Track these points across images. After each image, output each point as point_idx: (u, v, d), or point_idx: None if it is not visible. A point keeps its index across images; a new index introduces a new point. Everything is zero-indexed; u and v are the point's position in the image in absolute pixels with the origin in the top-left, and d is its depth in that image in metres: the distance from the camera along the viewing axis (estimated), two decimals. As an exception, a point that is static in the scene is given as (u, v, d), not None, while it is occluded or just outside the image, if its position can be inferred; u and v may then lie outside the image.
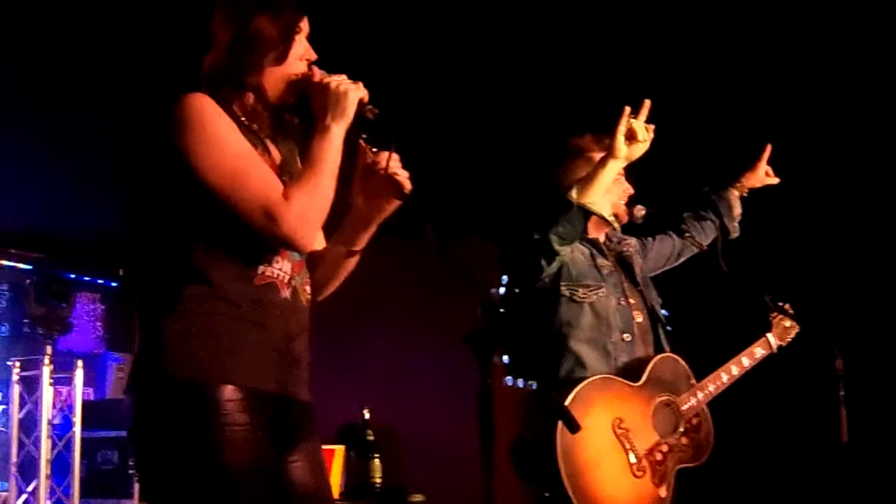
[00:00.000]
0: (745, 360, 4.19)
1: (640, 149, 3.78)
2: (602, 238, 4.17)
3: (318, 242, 2.67)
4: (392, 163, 2.59)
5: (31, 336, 7.11)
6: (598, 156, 4.00)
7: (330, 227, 2.65)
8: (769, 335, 4.27)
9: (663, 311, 4.22)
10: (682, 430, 3.96)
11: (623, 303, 4.05)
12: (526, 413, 3.97)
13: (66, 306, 7.19)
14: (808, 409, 5.44)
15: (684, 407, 3.97)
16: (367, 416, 6.20)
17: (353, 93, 2.50)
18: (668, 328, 4.17)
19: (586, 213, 3.87)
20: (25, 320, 7.05)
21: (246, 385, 2.39)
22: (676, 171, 5.26)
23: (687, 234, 4.35)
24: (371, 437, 6.17)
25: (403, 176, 2.61)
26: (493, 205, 6.65)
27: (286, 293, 2.52)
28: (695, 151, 5.90)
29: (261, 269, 2.47)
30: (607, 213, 4.00)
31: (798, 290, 4.58)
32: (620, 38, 5.41)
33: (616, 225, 4.13)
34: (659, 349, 4.07)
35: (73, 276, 8.14)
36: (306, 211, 2.41)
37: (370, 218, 2.70)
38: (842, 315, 5.57)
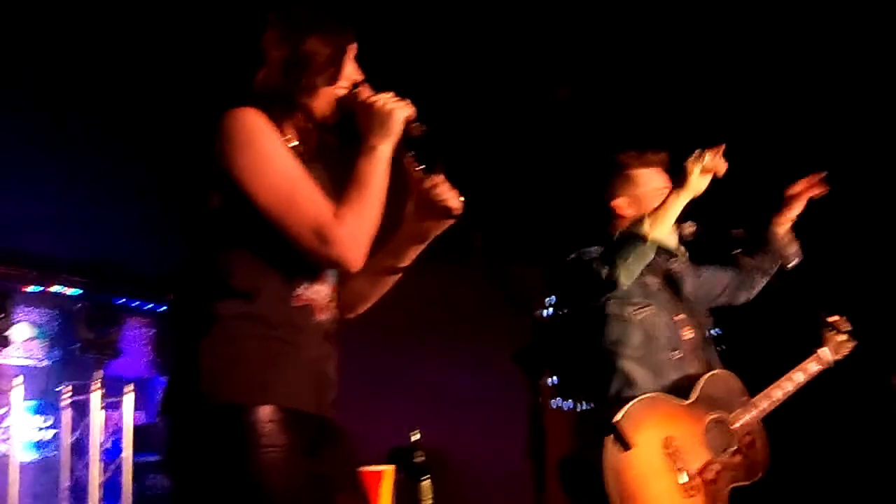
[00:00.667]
0: (799, 376, 4.12)
1: (707, 181, 3.78)
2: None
3: None
4: (437, 185, 2.58)
5: (82, 361, 7.17)
6: (639, 172, 4.00)
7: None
8: (822, 350, 4.20)
9: (715, 330, 4.17)
10: (734, 448, 3.90)
11: (672, 320, 4.01)
12: (576, 432, 3.94)
13: (116, 331, 7.24)
14: (862, 424, 5.37)
15: (737, 424, 3.92)
16: (417, 437, 6.17)
17: (400, 111, 2.49)
18: (720, 345, 4.12)
19: (656, 248, 3.83)
20: (75, 345, 7.11)
21: (284, 406, 2.37)
22: (724, 188, 5.22)
23: (747, 263, 4.26)
24: (421, 459, 6.14)
25: (451, 196, 2.60)
26: (537, 225, 6.63)
27: (322, 316, 2.51)
28: (742, 169, 5.85)
29: (299, 290, 2.46)
30: (674, 243, 3.96)
31: (852, 306, 4.51)
32: (661, 54, 5.39)
33: (680, 252, 4.07)
34: (709, 366, 4.02)
35: (122, 300, 8.20)
36: (356, 231, 2.39)
37: (420, 235, 2.68)
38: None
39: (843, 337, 4.24)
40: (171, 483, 2.41)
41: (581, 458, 3.79)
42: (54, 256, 7.76)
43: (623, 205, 4.07)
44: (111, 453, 6.99)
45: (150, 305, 8.75)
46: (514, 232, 6.66)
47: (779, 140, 5.93)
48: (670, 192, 3.80)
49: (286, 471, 2.33)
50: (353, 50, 2.61)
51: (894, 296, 6.23)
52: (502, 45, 5.28)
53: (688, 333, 4.02)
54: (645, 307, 3.95)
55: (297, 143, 2.53)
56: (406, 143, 2.54)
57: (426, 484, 6.06)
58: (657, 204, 3.87)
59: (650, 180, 4.05)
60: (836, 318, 4.26)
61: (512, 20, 5.09)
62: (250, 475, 2.30)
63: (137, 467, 6.89)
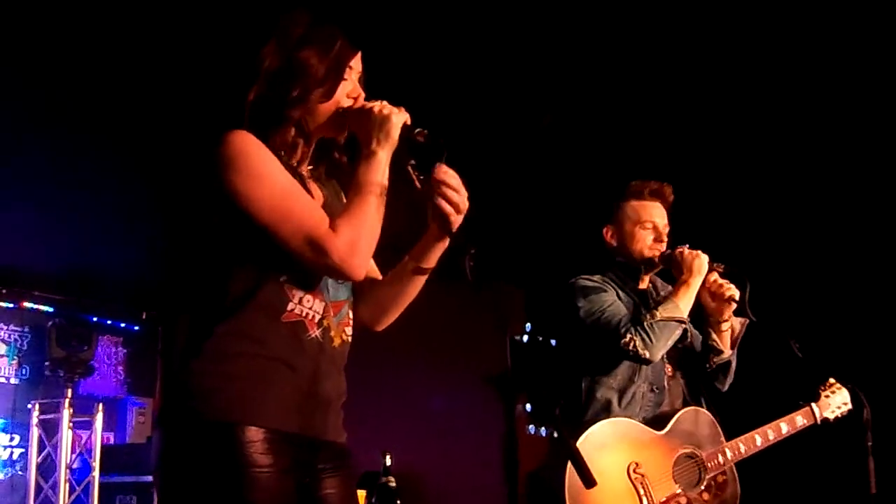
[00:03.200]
0: (784, 427, 4.06)
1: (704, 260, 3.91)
2: (647, 284, 4.13)
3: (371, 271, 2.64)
4: (440, 195, 2.52)
5: (52, 379, 7.11)
6: (627, 204, 4.05)
7: (384, 254, 2.60)
8: (813, 405, 4.15)
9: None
10: (704, 485, 3.87)
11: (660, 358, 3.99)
12: (549, 452, 3.92)
13: (88, 349, 7.18)
14: (835, 459, 5.36)
15: (711, 463, 3.88)
16: (388, 462, 6.13)
17: (396, 116, 2.47)
18: (700, 385, 4.09)
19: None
20: (46, 363, 7.05)
21: (268, 426, 2.36)
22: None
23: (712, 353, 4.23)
24: (392, 484, 6.10)
25: (450, 210, 2.55)
26: (523, 252, 6.61)
27: (315, 332, 2.49)
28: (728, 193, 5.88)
29: (290, 306, 2.45)
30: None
31: (826, 340, 4.50)
32: (645, 80, 5.41)
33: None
34: (688, 403, 4.00)
35: (95, 318, 8.14)
36: (355, 239, 2.38)
37: (442, 237, 2.61)
38: (870, 365, 5.50)
39: (839, 398, 4.17)
40: (159, 496, 2.41)
41: (545, 474, 3.76)
42: (27, 272, 7.70)
43: (608, 234, 4.08)
44: (79, 473, 6.92)
45: (123, 324, 8.70)
46: (496, 258, 6.66)
47: (764, 161, 5.98)
48: (680, 283, 3.90)
49: (270, 491, 2.33)
50: (355, 68, 2.58)
51: (868, 330, 6.28)
52: (487, 72, 5.27)
53: (670, 370, 4.01)
54: None
55: (286, 157, 2.50)
56: (409, 151, 2.50)
57: (397, 510, 6.02)
58: (643, 233, 3.99)
59: (636, 213, 4.05)
60: (835, 382, 4.20)
61: (497, 47, 5.09)
62: (235, 494, 2.30)
63: (105, 488, 6.82)
